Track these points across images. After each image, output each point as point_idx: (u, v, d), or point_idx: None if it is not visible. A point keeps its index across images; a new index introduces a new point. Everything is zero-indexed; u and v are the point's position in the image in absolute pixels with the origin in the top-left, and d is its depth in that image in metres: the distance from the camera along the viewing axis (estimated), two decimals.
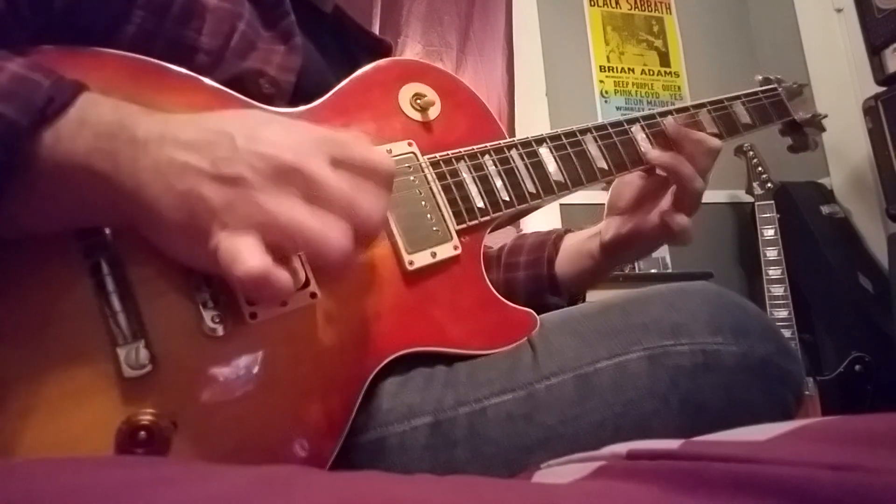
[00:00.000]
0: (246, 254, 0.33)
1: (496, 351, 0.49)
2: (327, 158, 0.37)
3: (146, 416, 0.36)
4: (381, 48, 0.72)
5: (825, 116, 0.87)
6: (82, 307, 0.37)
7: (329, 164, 0.36)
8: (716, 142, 0.65)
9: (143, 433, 0.35)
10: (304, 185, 0.35)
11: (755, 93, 0.78)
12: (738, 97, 0.75)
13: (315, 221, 0.35)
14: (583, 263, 0.71)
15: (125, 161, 0.34)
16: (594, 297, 0.73)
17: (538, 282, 0.71)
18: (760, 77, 0.85)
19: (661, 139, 0.66)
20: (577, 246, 0.72)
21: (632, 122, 0.66)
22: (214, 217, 0.34)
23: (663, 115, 0.67)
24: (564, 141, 0.61)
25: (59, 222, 0.37)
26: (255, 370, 0.40)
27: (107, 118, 0.35)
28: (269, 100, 0.49)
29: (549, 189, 0.58)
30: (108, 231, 0.38)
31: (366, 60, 0.56)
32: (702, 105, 0.71)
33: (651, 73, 2.27)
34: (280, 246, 0.35)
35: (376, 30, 1.84)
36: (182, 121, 0.37)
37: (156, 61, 0.44)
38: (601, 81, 2.20)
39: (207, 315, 0.39)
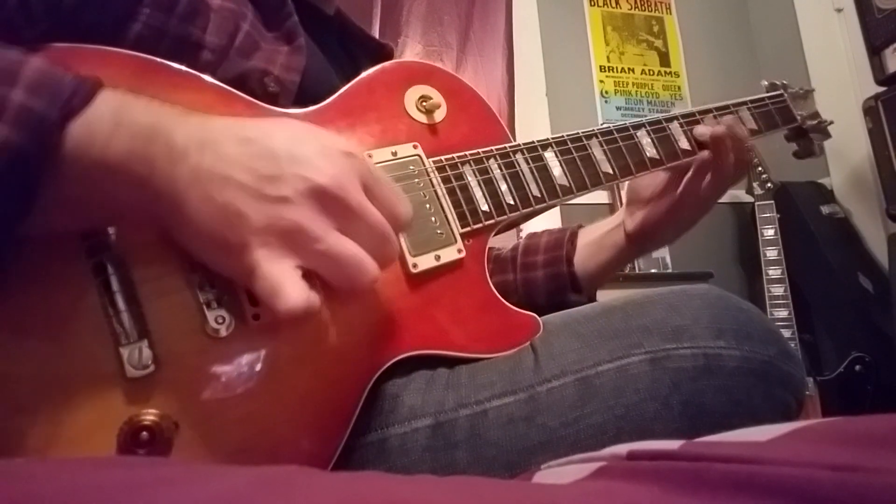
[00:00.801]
0: (289, 289, 0.34)
1: (499, 355, 0.49)
2: (361, 186, 0.38)
3: (148, 417, 0.36)
4: (382, 52, 0.72)
5: (831, 123, 0.87)
6: (86, 306, 0.37)
7: (364, 193, 0.38)
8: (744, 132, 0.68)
9: (145, 433, 0.35)
10: (342, 212, 0.37)
11: (761, 98, 0.79)
12: (743, 103, 0.75)
13: (351, 253, 0.37)
14: (605, 256, 0.71)
15: (163, 166, 0.34)
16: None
17: (559, 280, 0.71)
18: (767, 83, 0.85)
19: (667, 145, 0.66)
20: (598, 240, 0.72)
21: (637, 127, 0.66)
22: (253, 234, 0.35)
23: (669, 120, 0.68)
24: (570, 145, 0.61)
25: (88, 219, 0.37)
26: (258, 371, 0.40)
27: (142, 120, 0.35)
28: (273, 99, 0.49)
29: (553, 193, 0.58)
30: (111, 231, 0.38)
31: (367, 64, 0.56)
32: (708, 111, 0.71)
33: (651, 73, 2.27)
34: (315, 271, 0.37)
35: (376, 30, 1.84)
36: (221, 129, 0.37)
37: (160, 60, 0.44)
38: (601, 81, 2.20)
39: (211, 315, 0.39)
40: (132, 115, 0.35)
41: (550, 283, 0.72)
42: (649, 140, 0.66)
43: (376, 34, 1.82)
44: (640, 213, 0.69)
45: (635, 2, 2.32)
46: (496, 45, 2.01)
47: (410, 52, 1.90)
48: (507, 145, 0.57)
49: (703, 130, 0.67)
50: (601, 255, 0.72)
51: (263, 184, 0.35)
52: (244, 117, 0.39)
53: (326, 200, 0.36)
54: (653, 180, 0.69)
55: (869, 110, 1.65)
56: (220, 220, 0.35)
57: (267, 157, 0.36)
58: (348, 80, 0.54)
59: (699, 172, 0.67)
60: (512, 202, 0.55)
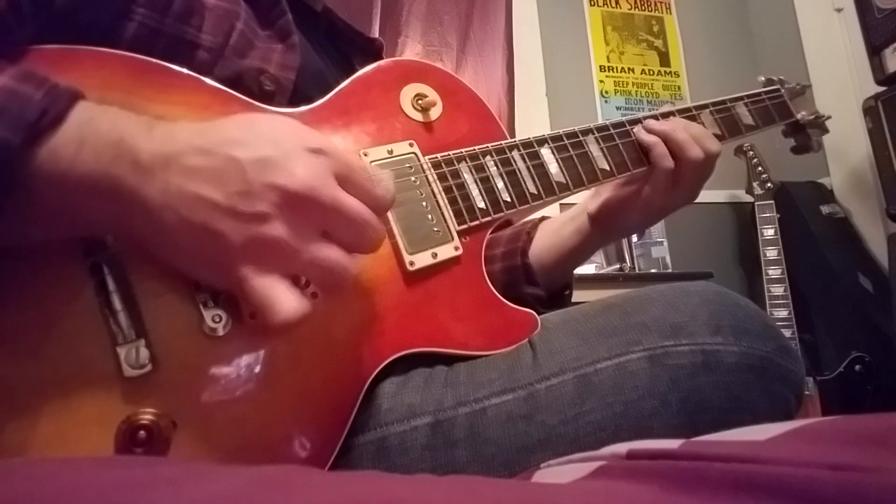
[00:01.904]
0: (281, 300, 0.35)
1: (497, 352, 0.49)
2: (336, 180, 0.38)
3: (146, 416, 0.36)
4: (372, 48, 0.72)
5: (829, 118, 0.87)
6: (83, 306, 0.37)
7: (339, 186, 0.38)
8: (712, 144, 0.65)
9: (142, 433, 0.35)
10: (319, 212, 0.37)
11: (758, 93, 0.79)
12: (740, 98, 0.75)
13: (333, 257, 0.37)
14: (565, 244, 0.70)
15: (130, 185, 0.34)
16: (594, 297, 0.73)
17: (513, 273, 0.70)
18: (763, 78, 0.85)
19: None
20: (558, 229, 0.71)
21: (634, 122, 0.66)
22: (235, 252, 0.35)
23: (665, 115, 0.67)
24: (566, 142, 0.61)
25: (61, 233, 0.37)
26: (255, 370, 0.40)
27: (106, 137, 0.35)
28: (270, 98, 0.49)
29: (550, 190, 0.58)
30: None
31: (358, 60, 0.56)
32: (704, 106, 0.71)
33: (651, 72, 2.27)
34: (301, 276, 0.38)
35: (376, 29, 1.84)
36: (185, 141, 0.36)
37: (156, 61, 0.44)
38: (601, 81, 2.20)
39: (208, 314, 0.39)
40: (97, 131, 0.35)
41: (505, 276, 0.70)
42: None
43: (376, 34, 1.82)
44: (605, 193, 0.68)
45: (635, 2, 2.32)
46: (496, 45, 2.01)
47: (410, 51, 1.90)
48: (503, 142, 0.57)
49: (641, 136, 0.65)
50: (560, 245, 0.70)
51: (235, 200, 0.35)
52: (211, 120, 0.38)
53: (301, 206, 0.36)
54: None
55: (869, 110, 1.65)
56: (201, 240, 0.35)
57: (233, 170, 0.35)
58: (342, 77, 0.54)
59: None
60: (508, 199, 0.55)
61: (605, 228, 0.69)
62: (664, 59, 2.30)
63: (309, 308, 0.36)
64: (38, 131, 0.33)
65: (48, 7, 0.41)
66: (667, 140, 0.63)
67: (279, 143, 0.37)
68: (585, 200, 0.70)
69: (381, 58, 0.70)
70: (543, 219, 0.75)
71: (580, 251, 0.70)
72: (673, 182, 0.64)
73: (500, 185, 0.55)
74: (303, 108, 0.50)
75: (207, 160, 0.35)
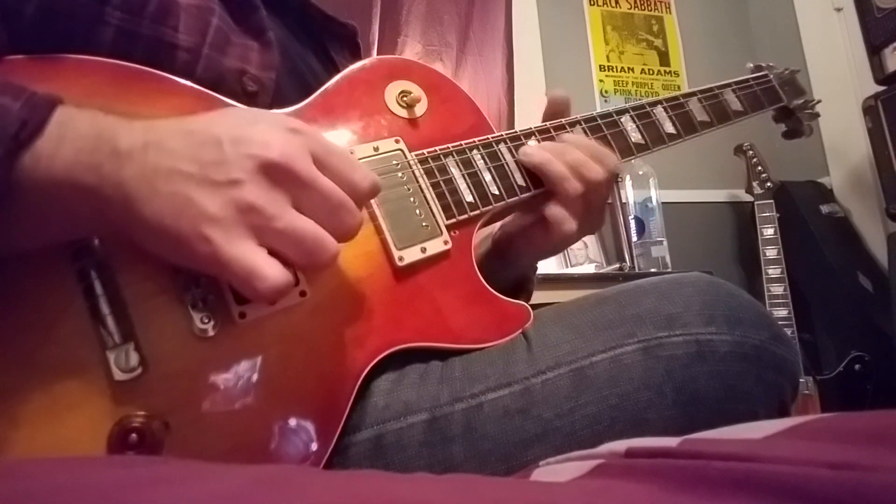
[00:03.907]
0: (267, 269, 0.34)
1: (490, 345, 0.49)
2: (312, 159, 0.37)
3: (138, 419, 0.36)
4: (346, 33, 0.71)
5: (819, 102, 0.87)
6: (71, 312, 0.37)
7: (314, 165, 0.37)
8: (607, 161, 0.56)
9: (134, 435, 0.35)
10: (294, 185, 0.36)
11: (746, 80, 0.79)
12: (728, 85, 0.75)
13: (310, 229, 0.36)
14: (480, 261, 0.61)
15: (109, 172, 0.34)
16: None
17: None
18: (752, 65, 0.85)
19: (652, 129, 0.66)
20: (476, 246, 0.63)
21: (621, 112, 0.65)
22: (207, 221, 0.34)
23: (653, 105, 0.67)
24: (553, 133, 0.60)
25: (48, 238, 0.37)
26: (247, 370, 0.40)
27: (85, 132, 0.35)
28: (253, 98, 0.50)
29: (538, 182, 0.57)
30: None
31: (334, 47, 0.56)
32: (692, 94, 0.71)
33: (651, 72, 2.27)
34: (277, 250, 0.36)
35: (376, 29, 1.84)
36: (165, 127, 0.36)
37: (139, 66, 0.44)
38: (601, 81, 2.20)
39: (197, 316, 0.39)
40: (76, 128, 0.35)
41: None
42: (634, 125, 0.65)
43: (376, 34, 1.82)
44: (511, 220, 0.62)
45: (635, 1, 2.32)
46: (496, 45, 2.01)
47: (410, 51, 1.90)
48: (489, 136, 0.57)
49: (528, 152, 0.56)
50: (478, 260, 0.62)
51: (209, 170, 0.35)
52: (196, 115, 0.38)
53: (276, 175, 0.36)
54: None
55: (869, 110, 1.65)
56: (171, 211, 0.34)
57: (210, 144, 0.35)
58: (319, 67, 0.54)
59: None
60: (497, 192, 0.55)
61: (501, 257, 0.63)
62: (664, 58, 2.30)
63: (291, 280, 0.35)
64: (19, 143, 0.33)
65: (18, 21, 0.41)
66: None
67: (257, 122, 0.37)
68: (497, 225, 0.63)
69: (356, 43, 0.70)
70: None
71: (488, 272, 0.56)
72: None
73: (488, 178, 0.55)
74: (288, 109, 0.50)
75: (186, 140, 0.35)
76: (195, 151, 0.35)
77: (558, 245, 0.59)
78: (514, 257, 0.63)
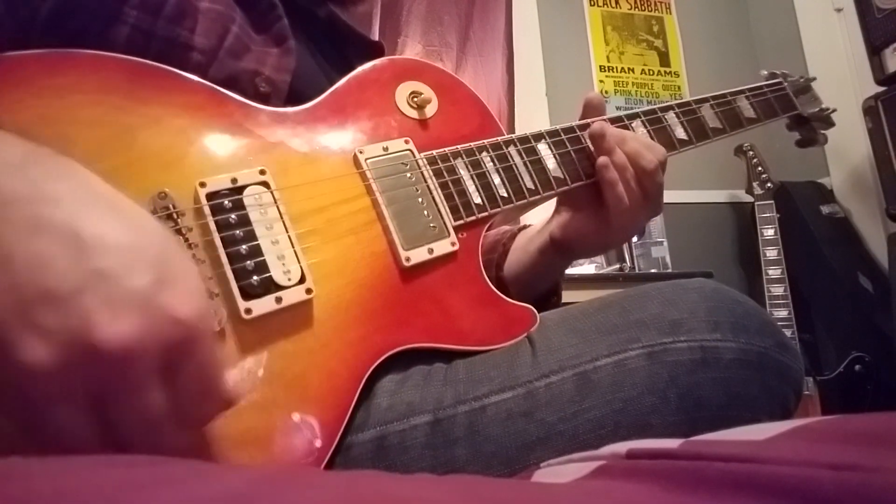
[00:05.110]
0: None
1: (495, 347, 0.49)
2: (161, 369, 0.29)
3: None
4: (373, 51, 0.71)
5: (834, 110, 0.87)
6: None
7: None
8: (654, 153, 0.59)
9: None
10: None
11: (760, 87, 0.78)
12: (741, 91, 0.75)
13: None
14: (532, 260, 0.67)
15: None
16: (594, 297, 0.72)
17: None
18: (766, 72, 0.84)
19: (663, 134, 0.66)
20: (525, 245, 0.68)
21: (632, 117, 0.65)
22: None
23: (664, 109, 0.67)
24: (563, 137, 0.61)
25: None
26: (251, 366, 0.40)
27: None
28: (265, 99, 0.49)
29: (547, 185, 0.58)
30: None
31: (361, 62, 0.56)
32: (704, 100, 0.71)
33: (651, 72, 2.27)
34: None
35: (376, 29, 1.84)
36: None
37: (153, 63, 0.44)
38: (601, 81, 2.20)
39: None
40: None
41: None
42: (644, 130, 0.65)
43: (376, 34, 1.82)
44: (566, 216, 0.64)
45: (635, 2, 2.32)
46: (496, 45, 2.01)
47: (410, 52, 1.90)
48: (499, 138, 0.57)
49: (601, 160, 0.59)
50: (527, 263, 0.67)
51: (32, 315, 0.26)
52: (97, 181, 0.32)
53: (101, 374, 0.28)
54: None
55: (869, 110, 1.65)
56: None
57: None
58: (339, 79, 0.54)
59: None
60: (505, 194, 0.55)
61: (563, 254, 0.65)
62: (664, 59, 2.30)
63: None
64: None
65: (31, 20, 0.41)
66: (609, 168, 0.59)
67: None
68: (553, 218, 0.66)
69: None
70: (524, 227, 0.73)
71: (544, 269, 0.66)
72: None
73: (497, 180, 0.55)
74: (299, 108, 0.50)
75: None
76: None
77: (619, 232, 0.62)
78: (579, 250, 0.65)
